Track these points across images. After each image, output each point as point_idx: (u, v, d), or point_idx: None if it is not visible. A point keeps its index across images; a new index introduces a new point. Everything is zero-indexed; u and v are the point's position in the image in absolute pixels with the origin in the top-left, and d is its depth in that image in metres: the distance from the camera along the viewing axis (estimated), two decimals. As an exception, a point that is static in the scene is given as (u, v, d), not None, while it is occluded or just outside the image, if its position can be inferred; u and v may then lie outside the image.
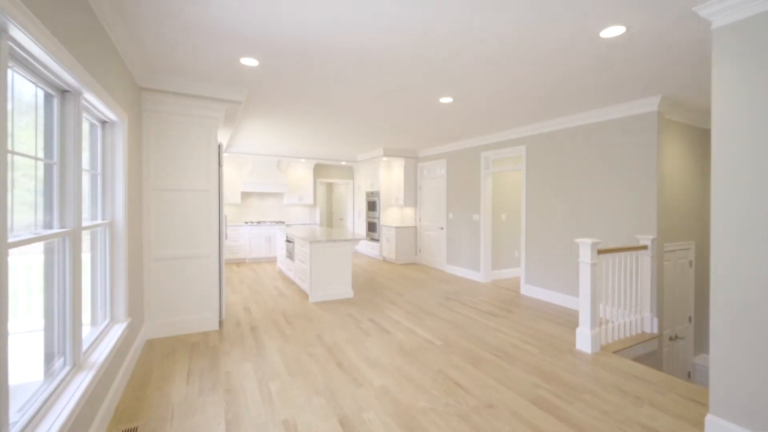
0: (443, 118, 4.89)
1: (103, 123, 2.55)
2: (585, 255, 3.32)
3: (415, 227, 8.13)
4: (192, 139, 3.65)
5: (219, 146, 3.83)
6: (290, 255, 5.97)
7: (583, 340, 3.34)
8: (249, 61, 2.99)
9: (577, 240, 3.35)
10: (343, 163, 9.09)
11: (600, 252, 3.41)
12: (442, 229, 7.27)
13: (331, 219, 11.51)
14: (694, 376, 4.62)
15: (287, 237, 6.21)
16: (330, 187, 11.62)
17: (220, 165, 3.83)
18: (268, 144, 7.30)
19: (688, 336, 4.53)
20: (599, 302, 3.45)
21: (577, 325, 4.03)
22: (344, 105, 4.27)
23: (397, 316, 4.32)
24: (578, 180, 4.63)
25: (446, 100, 4.01)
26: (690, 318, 4.56)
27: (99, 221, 2.44)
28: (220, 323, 3.94)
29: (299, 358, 3.12)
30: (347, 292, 5.11)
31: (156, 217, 3.51)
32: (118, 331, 2.46)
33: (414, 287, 5.82)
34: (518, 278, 6.54)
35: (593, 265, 3.31)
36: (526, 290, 5.39)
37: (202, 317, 3.71)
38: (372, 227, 8.75)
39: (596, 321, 3.37)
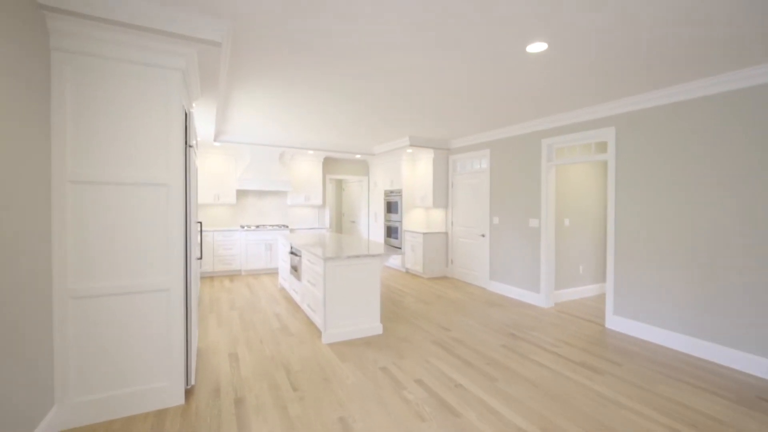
0: (518, 82, 3.47)
1: None
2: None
3: (446, 233, 6.72)
4: (140, 102, 2.26)
5: (187, 115, 2.46)
6: (295, 271, 4.59)
7: (808, 446, 1.92)
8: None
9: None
10: (358, 156, 7.70)
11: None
12: (483, 236, 5.86)
13: (341, 222, 10.12)
14: None
15: (291, 248, 4.83)
16: (339, 184, 10.23)
17: (188, 144, 2.45)
18: (268, 131, 5.92)
19: None
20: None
21: (738, 392, 2.61)
22: (373, 60, 2.87)
23: (453, 371, 2.92)
24: (715, 171, 3.20)
25: (537, 47, 2.60)
26: None
27: None
28: (188, 393, 2.55)
29: (315, 488, 1.72)
30: (374, 327, 3.71)
31: (77, 228, 2.13)
32: None
33: (457, 315, 4.42)
34: (586, 301, 5.11)
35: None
36: (616, 323, 3.97)
37: (156, 387, 2.32)
38: (392, 232, 7.36)
39: (828, 412, 1.95)
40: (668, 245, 3.52)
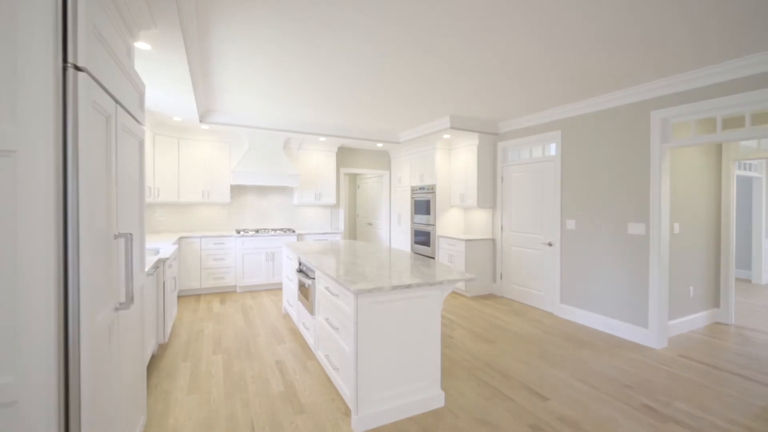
0: (650, 11, 2.09)
1: None
2: None
3: (493, 240, 5.34)
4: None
5: None
6: (306, 301, 3.24)
7: None
8: None
9: None
10: (379, 145, 6.34)
11: None
12: (550, 245, 4.47)
13: (355, 224, 8.77)
14: None
15: (300, 264, 3.49)
16: (353, 180, 8.88)
17: (70, 63, 1.10)
18: (269, 111, 4.58)
19: None
20: None
21: None
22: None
23: None
24: None
25: None
26: None
27: None
28: None
29: None
30: (433, 397, 2.34)
31: None
32: None
33: (538, 361, 3.03)
34: (701, 336, 3.69)
35: None
36: (800, 386, 2.57)
37: None
38: (422, 238, 5.98)
39: None
40: None
